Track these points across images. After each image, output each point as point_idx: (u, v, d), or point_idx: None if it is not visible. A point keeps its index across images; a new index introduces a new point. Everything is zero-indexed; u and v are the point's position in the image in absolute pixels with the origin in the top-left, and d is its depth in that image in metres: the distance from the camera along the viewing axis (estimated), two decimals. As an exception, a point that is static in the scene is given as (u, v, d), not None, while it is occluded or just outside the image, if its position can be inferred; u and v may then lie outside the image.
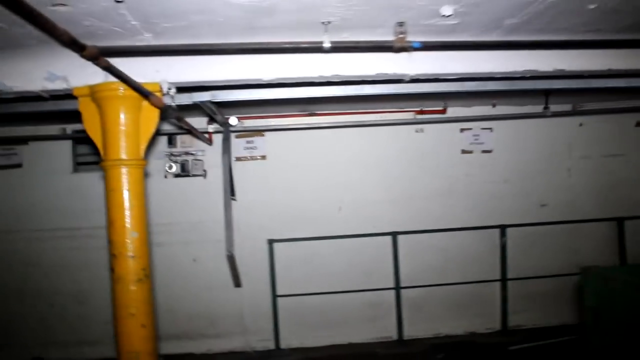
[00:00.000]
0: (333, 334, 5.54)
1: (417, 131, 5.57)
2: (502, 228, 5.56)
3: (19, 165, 5.45)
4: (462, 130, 5.61)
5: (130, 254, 2.78)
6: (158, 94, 2.86)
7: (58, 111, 3.20)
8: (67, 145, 5.46)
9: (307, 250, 5.48)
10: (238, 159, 5.43)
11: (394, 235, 5.47)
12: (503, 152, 5.68)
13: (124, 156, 2.74)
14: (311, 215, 5.50)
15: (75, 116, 2.92)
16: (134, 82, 2.69)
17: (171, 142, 5.39)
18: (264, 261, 5.36)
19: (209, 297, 5.41)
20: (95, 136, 2.86)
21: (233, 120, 4.69)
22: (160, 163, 5.39)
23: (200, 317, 5.43)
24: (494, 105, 5.35)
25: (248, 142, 5.45)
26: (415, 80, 2.98)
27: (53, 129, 5.28)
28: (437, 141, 5.60)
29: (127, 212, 2.76)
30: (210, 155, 5.38)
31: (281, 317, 5.38)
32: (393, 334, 5.55)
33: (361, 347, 5.45)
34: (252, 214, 5.41)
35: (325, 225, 5.48)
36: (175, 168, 5.36)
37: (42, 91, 2.87)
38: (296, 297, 5.37)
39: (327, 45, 2.58)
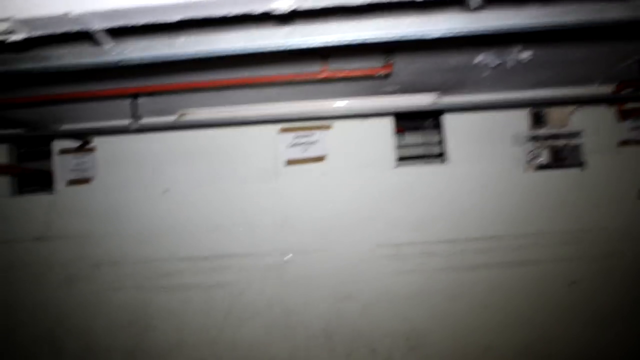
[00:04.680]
0: None
1: None
2: None
3: (319, 159, 3.98)
4: None
5: None
6: None
7: None
8: (385, 125, 3.99)
9: None
10: (623, 142, 3.96)
11: None
12: None
13: None
14: None
15: None
16: None
17: (538, 120, 3.91)
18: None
19: (594, 335, 3.89)
20: None
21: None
22: (514, 152, 3.93)
23: (580, 364, 3.90)
24: None
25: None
26: None
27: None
28: None
29: None
30: (591, 137, 3.92)
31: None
32: None
33: None
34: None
35: None
36: (543, 157, 3.88)
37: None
38: None
39: None
